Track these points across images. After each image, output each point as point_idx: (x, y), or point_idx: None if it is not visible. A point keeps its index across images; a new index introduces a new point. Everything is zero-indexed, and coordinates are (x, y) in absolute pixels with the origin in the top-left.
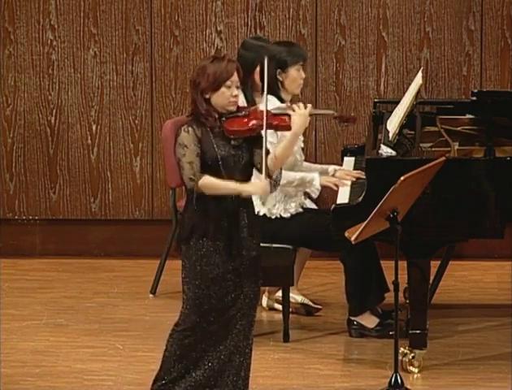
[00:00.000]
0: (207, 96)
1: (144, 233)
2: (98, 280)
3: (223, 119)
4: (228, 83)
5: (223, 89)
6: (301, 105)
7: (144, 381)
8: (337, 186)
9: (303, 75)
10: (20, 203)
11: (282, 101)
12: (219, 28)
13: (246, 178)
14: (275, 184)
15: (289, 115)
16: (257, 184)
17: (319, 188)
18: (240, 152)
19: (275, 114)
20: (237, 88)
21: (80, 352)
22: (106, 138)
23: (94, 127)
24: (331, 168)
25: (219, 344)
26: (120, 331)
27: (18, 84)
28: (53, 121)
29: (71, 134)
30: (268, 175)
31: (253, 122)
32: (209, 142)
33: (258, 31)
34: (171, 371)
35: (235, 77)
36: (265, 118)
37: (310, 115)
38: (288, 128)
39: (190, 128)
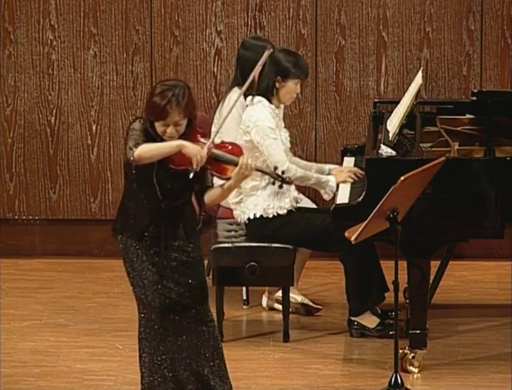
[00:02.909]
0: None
1: None
2: (98, 280)
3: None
4: (161, 122)
5: (157, 124)
6: (245, 161)
7: None
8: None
9: (298, 90)
10: (20, 203)
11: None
12: (219, 28)
13: (183, 201)
14: (202, 224)
15: (234, 164)
16: (199, 150)
17: (334, 189)
18: (178, 178)
19: (218, 160)
20: (177, 126)
21: (80, 352)
22: (106, 138)
23: (94, 127)
24: (328, 167)
25: (184, 342)
26: (120, 331)
27: (18, 84)
28: (53, 121)
29: (71, 134)
30: (201, 208)
31: (186, 163)
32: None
33: (258, 31)
34: (153, 379)
35: (171, 119)
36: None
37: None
38: (225, 179)
39: (144, 126)
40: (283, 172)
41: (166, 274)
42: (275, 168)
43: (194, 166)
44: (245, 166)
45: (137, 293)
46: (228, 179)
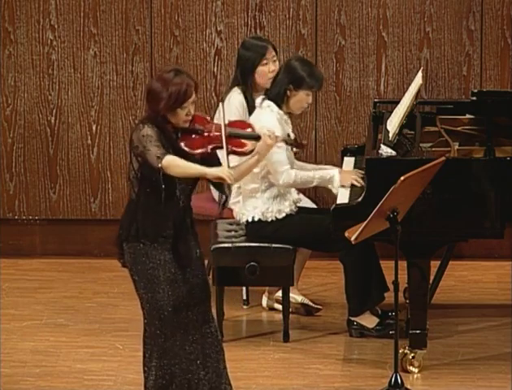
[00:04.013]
0: (162, 113)
1: None
2: (98, 280)
3: (179, 135)
4: (185, 105)
5: (178, 111)
6: (266, 131)
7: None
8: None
9: (309, 101)
10: (20, 203)
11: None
12: (219, 28)
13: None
14: (224, 201)
15: (253, 139)
16: (222, 168)
17: (339, 183)
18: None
19: (234, 136)
20: (193, 103)
21: (80, 352)
22: (106, 138)
23: (94, 127)
24: (332, 172)
25: (191, 344)
26: (120, 331)
27: (18, 84)
28: (53, 121)
29: (71, 134)
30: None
31: (205, 144)
32: (168, 149)
33: (258, 31)
34: (157, 383)
35: (192, 98)
36: (224, 140)
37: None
38: (244, 154)
39: (156, 128)
40: (296, 138)
41: (178, 272)
42: (288, 135)
43: (230, 182)
44: (269, 135)
45: (146, 297)
46: (249, 153)
